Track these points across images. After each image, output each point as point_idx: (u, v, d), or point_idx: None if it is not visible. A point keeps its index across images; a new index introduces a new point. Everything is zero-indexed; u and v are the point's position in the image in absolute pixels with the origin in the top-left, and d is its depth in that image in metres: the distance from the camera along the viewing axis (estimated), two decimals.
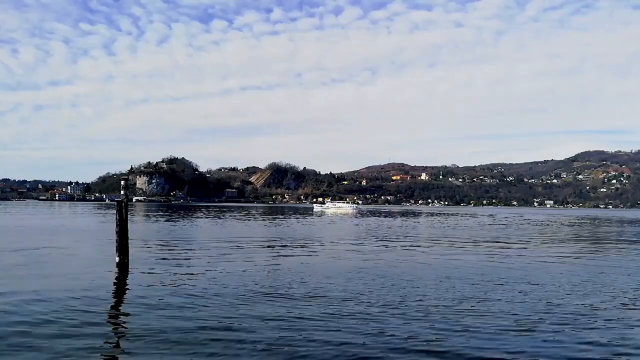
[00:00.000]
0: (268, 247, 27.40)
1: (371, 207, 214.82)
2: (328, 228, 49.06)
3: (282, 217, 76.97)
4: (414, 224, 59.53)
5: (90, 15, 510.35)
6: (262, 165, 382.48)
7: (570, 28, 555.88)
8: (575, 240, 36.52)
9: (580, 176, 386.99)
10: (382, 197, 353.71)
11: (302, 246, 27.74)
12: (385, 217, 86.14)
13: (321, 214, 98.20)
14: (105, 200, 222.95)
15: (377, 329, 10.13)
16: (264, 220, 64.18)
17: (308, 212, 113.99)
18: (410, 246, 29.07)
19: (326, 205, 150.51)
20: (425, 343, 9.26)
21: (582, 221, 79.98)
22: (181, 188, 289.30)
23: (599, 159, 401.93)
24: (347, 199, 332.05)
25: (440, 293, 13.92)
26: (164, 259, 20.97)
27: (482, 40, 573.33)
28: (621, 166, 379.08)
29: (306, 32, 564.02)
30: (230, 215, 77.41)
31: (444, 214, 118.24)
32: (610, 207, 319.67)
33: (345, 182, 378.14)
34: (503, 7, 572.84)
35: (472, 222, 69.37)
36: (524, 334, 9.92)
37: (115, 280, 15.53)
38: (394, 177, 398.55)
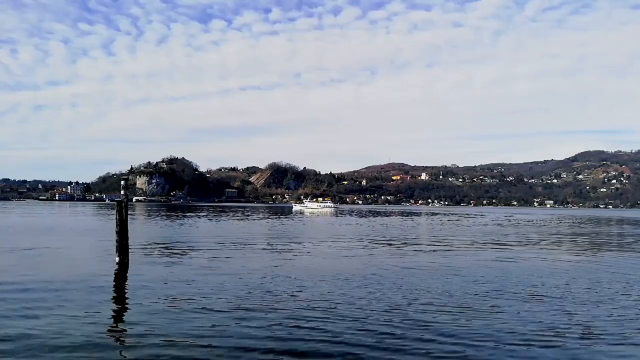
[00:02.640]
0: (264, 246, 27.44)
1: (346, 207, 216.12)
2: (306, 227, 49.09)
3: (269, 216, 77.25)
4: (387, 224, 59.58)
5: (89, 15, 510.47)
6: (262, 165, 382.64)
7: (568, 28, 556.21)
8: (577, 241, 36.51)
9: (580, 176, 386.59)
10: (382, 197, 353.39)
11: (292, 246, 27.79)
12: (362, 217, 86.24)
13: (300, 213, 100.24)
14: (105, 200, 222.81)
15: (384, 338, 9.54)
16: (252, 220, 64.29)
17: (288, 211, 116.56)
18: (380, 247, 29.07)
19: (305, 204, 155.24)
20: None
21: (581, 221, 79.94)
22: (181, 188, 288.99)
23: (599, 159, 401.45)
24: (347, 199, 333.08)
25: (445, 300, 13.24)
26: (163, 259, 21.00)
27: (480, 40, 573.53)
28: (621, 166, 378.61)
29: (305, 32, 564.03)
30: (228, 216, 77.46)
31: (434, 213, 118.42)
32: (610, 207, 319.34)
33: (345, 182, 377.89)
34: (502, 7, 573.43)
35: (458, 222, 69.33)
36: (551, 347, 9.17)
37: (114, 280, 15.56)
38: (394, 177, 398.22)
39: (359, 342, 9.30)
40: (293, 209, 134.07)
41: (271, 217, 75.60)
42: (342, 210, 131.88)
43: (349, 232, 41.83)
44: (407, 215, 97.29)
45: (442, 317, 11.11)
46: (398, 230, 46.47)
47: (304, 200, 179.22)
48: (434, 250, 26.59)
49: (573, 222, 74.14)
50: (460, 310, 11.88)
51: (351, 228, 49.31)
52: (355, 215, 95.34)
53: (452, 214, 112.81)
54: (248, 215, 79.22)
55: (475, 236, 38.66)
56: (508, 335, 9.85)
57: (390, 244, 30.28)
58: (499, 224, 62.61)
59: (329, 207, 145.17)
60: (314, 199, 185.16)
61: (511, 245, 30.94)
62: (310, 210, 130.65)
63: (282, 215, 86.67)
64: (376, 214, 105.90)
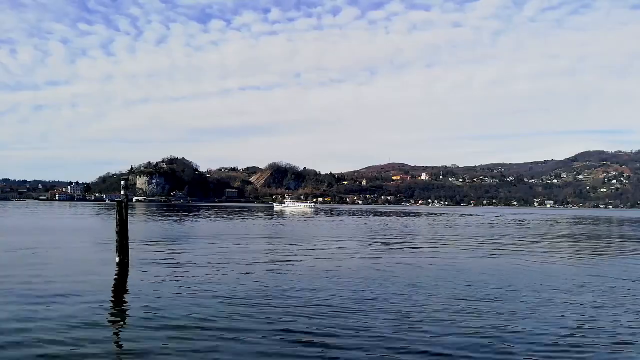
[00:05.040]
0: (262, 246, 27.53)
1: (325, 206, 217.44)
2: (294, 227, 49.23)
3: (256, 216, 77.40)
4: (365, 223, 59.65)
5: (88, 15, 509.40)
6: (262, 165, 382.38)
7: (568, 28, 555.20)
8: (580, 242, 36.54)
9: (580, 176, 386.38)
10: (382, 197, 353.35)
11: (291, 245, 27.90)
12: (339, 216, 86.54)
13: (281, 213, 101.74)
14: (105, 200, 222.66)
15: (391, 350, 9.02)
16: (246, 220, 64.35)
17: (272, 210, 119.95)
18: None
19: (285, 204, 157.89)
20: None
21: (579, 222, 79.90)
22: (181, 188, 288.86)
23: (599, 159, 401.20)
24: (348, 199, 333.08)
25: (451, 305, 12.79)
26: (163, 259, 21.09)
27: (480, 40, 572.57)
28: (621, 166, 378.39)
29: (304, 32, 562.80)
30: (229, 216, 77.60)
31: (430, 213, 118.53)
32: (610, 207, 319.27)
33: (345, 182, 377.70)
34: (501, 7, 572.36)
35: (440, 222, 69.28)
36: (581, 355, 8.76)
37: (115, 280, 15.68)
38: (394, 177, 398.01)
39: (361, 345, 9.39)
40: (274, 209, 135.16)
41: (251, 218, 75.80)
42: (323, 210, 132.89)
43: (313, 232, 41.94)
44: (394, 216, 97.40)
45: (449, 325, 10.53)
46: (354, 229, 46.56)
47: (284, 201, 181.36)
48: (423, 251, 26.71)
49: (571, 223, 74.12)
50: (472, 316, 11.32)
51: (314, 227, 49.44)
52: (335, 214, 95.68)
53: (445, 215, 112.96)
54: (237, 216, 79.45)
55: (473, 236, 38.76)
56: (531, 343, 9.34)
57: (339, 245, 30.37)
58: (499, 224, 62.70)
59: (309, 207, 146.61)
60: (314, 199, 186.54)
61: (511, 246, 31.03)
62: (291, 210, 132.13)
63: (263, 215, 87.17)
64: (361, 214, 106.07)
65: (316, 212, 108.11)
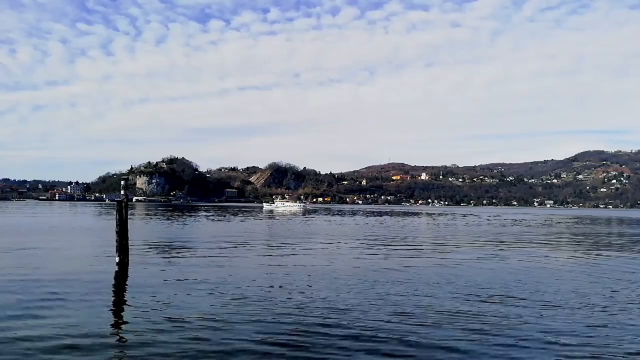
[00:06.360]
0: (262, 245, 27.39)
1: (323, 205, 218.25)
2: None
3: (247, 215, 77.26)
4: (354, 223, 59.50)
5: (87, 15, 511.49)
6: (262, 165, 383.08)
7: (567, 28, 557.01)
8: (582, 242, 36.40)
9: (580, 176, 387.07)
10: (382, 197, 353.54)
11: (293, 245, 27.77)
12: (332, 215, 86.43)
13: (270, 212, 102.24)
14: (105, 200, 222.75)
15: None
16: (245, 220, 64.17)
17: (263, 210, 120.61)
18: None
19: (275, 204, 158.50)
20: None
21: (577, 222, 79.75)
22: (181, 188, 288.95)
23: (599, 159, 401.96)
24: (347, 199, 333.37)
25: (449, 307, 12.57)
26: (163, 258, 20.97)
27: (479, 40, 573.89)
28: (621, 166, 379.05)
29: (303, 32, 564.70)
30: (229, 216, 77.51)
31: (430, 213, 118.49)
32: (610, 207, 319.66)
33: (345, 182, 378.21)
34: (500, 7, 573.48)
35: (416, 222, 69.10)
36: None
37: (115, 280, 15.55)
38: (394, 177, 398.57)
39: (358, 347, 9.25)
40: (264, 209, 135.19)
41: (243, 218, 75.61)
42: (316, 210, 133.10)
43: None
44: (391, 216, 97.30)
45: (451, 327, 10.25)
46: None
47: (275, 200, 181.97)
48: (412, 251, 26.55)
49: (571, 223, 73.99)
50: (475, 318, 10.98)
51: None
52: (329, 214, 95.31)
53: (442, 214, 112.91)
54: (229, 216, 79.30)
55: (474, 236, 38.62)
56: (538, 349, 8.97)
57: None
58: (497, 225, 62.58)
59: (299, 207, 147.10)
60: (314, 199, 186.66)
61: (512, 246, 30.87)
62: (281, 209, 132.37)
63: (253, 217, 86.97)
64: (357, 213, 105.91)
65: (305, 213, 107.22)
